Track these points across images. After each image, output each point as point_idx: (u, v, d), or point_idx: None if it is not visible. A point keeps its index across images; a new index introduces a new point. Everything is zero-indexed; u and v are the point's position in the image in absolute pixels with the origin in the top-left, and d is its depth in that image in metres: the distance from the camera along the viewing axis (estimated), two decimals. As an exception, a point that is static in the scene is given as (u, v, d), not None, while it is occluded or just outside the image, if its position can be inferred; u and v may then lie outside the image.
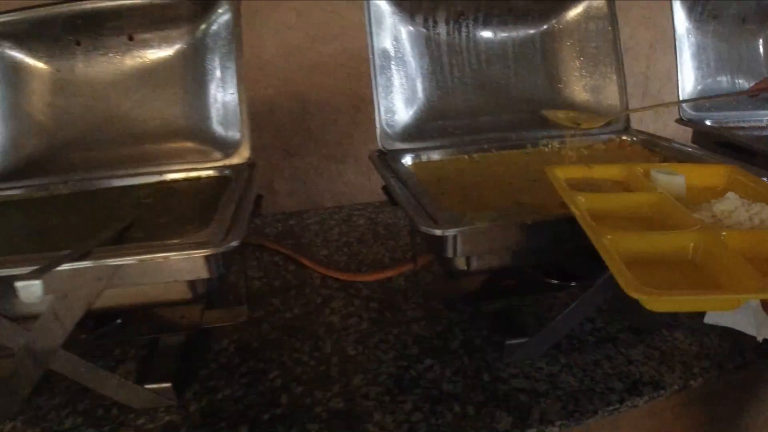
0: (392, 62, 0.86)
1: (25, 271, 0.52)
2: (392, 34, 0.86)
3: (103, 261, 0.55)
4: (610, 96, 0.89)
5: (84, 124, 0.88)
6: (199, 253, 0.56)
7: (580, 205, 0.57)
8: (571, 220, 0.56)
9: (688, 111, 1.02)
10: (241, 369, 0.73)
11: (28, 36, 0.87)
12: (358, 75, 1.30)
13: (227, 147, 0.85)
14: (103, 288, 0.59)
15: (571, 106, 0.90)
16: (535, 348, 0.72)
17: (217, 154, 0.85)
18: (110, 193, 0.81)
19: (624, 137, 0.88)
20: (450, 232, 0.59)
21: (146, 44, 0.88)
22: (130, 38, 0.87)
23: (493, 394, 0.67)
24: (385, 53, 0.85)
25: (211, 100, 0.87)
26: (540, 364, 0.72)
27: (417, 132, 0.86)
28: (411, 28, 0.88)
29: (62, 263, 0.54)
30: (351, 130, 1.41)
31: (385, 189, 0.75)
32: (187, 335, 0.75)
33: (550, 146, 0.86)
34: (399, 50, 0.86)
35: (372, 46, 0.83)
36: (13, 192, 0.83)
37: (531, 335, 0.72)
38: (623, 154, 0.85)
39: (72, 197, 0.82)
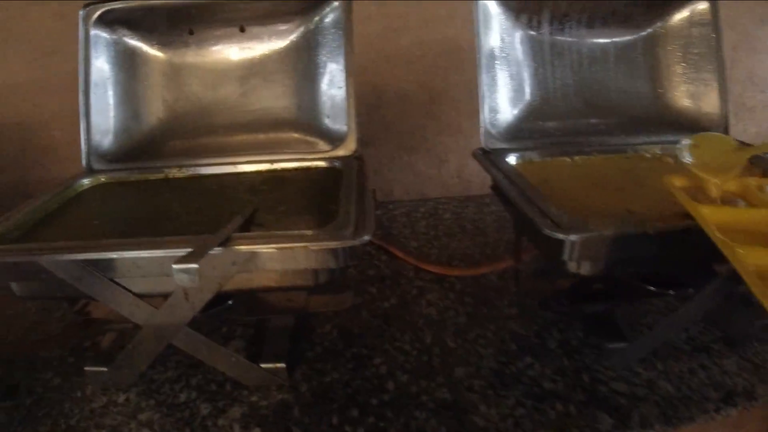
0: (497, 62, 0.86)
1: (178, 254, 0.54)
2: (499, 34, 0.86)
3: (241, 247, 0.57)
4: (711, 104, 0.87)
5: (195, 111, 0.91)
6: (334, 245, 0.58)
7: (707, 217, 0.56)
8: (695, 232, 0.56)
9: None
10: (346, 354, 0.75)
11: (143, 23, 0.90)
12: (435, 68, 1.29)
13: (334, 139, 0.87)
14: (236, 272, 0.61)
15: (670, 111, 0.89)
16: (635, 353, 0.72)
17: (324, 146, 0.86)
18: (224, 179, 0.84)
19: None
20: (574, 238, 0.59)
21: (257, 36, 0.90)
22: (242, 30, 0.89)
23: (594, 395, 0.68)
24: (491, 53, 0.85)
25: (320, 92, 0.88)
26: (637, 369, 0.72)
27: (519, 132, 0.86)
28: (516, 29, 0.88)
29: (212, 247, 0.56)
30: (424, 122, 1.40)
31: (495, 187, 0.76)
32: (295, 318, 0.77)
33: (650, 153, 0.85)
34: (504, 50, 0.87)
35: (479, 46, 0.84)
36: (130, 174, 0.86)
37: (629, 340, 0.72)
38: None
39: (187, 181, 0.85)
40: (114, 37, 0.88)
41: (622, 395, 0.68)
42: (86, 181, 0.85)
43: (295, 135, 0.89)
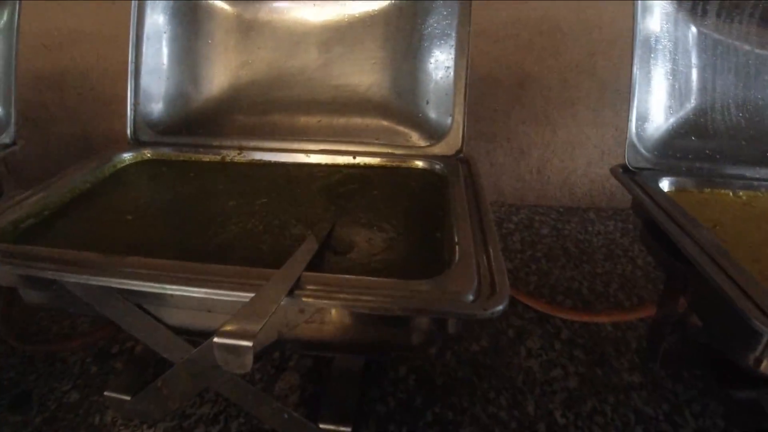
0: (652, 56, 0.64)
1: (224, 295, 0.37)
2: (659, 20, 0.64)
3: (311, 299, 0.40)
4: None
5: (264, 81, 0.73)
6: (449, 312, 0.40)
7: None
8: None
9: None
10: (426, 414, 0.58)
11: None
12: (528, 47, 1.09)
13: (434, 133, 0.67)
14: (303, 322, 0.44)
15: None
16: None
17: (420, 140, 0.67)
18: (292, 171, 0.66)
19: None
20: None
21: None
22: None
23: None
24: (647, 43, 0.64)
25: (421, 72, 0.69)
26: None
27: (669, 149, 0.65)
28: (678, 17, 0.65)
29: (275, 307, 0.38)
30: (509, 108, 1.21)
31: (650, 227, 0.55)
32: (366, 358, 0.60)
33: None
34: (661, 41, 0.65)
35: (636, 32, 0.62)
36: (180, 151, 0.69)
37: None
38: None
39: (247, 168, 0.68)
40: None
41: None
42: (128, 157, 0.68)
43: (384, 122, 0.70)
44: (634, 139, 0.64)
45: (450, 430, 0.57)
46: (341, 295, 0.40)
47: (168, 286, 0.42)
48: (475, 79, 1.19)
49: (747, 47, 0.69)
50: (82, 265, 0.44)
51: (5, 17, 0.77)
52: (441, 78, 0.67)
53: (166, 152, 0.70)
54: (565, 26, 1.07)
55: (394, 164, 0.66)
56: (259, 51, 0.73)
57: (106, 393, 0.59)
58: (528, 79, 1.17)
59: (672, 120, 0.67)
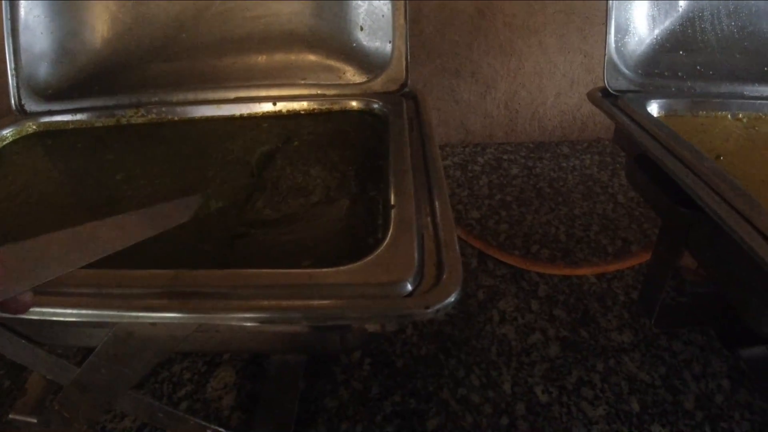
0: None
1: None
2: None
3: (206, 314, 0.26)
4: None
5: (162, 23, 0.56)
6: (380, 313, 0.26)
7: None
8: None
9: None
10: (384, 406, 0.45)
11: None
12: None
13: (372, 65, 0.51)
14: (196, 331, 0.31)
15: None
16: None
17: (357, 76, 0.52)
18: (202, 127, 0.51)
19: None
20: None
21: None
22: None
23: None
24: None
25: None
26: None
27: (654, 66, 0.50)
28: None
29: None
30: (470, 39, 1.05)
31: (639, 161, 0.41)
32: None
33: None
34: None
35: None
36: (70, 118, 0.53)
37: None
38: None
39: (149, 129, 0.52)
40: None
41: None
42: (8, 132, 0.52)
43: (312, 57, 0.55)
44: (614, 57, 0.50)
45: (414, 422, 0.45)
46: (232, 302, 0.26)
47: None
48: (429, 9, 1.03)
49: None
50: None
51: None
52: (378, 3, 0.50)
53: (54, 121, 0.54)
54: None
55: (323, 108, 0.51)
56: (152, -16, 0.55)
57: (11, 416, 0.46)
58: (489, 5, 1.01)
59: (656, 32, 0.53)
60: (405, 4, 0.51)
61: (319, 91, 0.52)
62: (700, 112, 0.50)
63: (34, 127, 0.54)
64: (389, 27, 0.51)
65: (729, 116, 0.50)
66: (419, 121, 0.46)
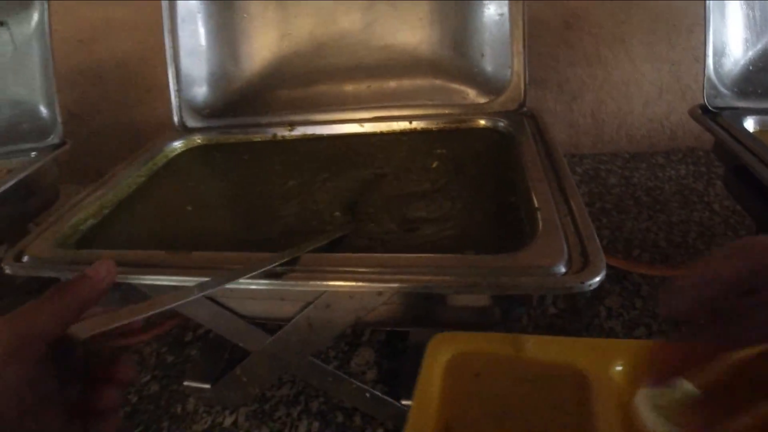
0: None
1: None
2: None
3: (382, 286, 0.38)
4: None
5: (307, 51, 0.71)
6: (538, 288, 0.37)
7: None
8: None
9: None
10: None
11: None
12: None
13: (492, 88, 0.64)
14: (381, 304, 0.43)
15: None
16: None
17: (478, 97, 0.63)
18: (348, 142, 0.64)
19: None
20: None
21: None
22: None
23: None
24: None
25: (473, 23, 0.65)
26: None
27: (749, 85, 0.59)
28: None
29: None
30: (556, 51, 1.15)
31: (737, 172, 0.51)
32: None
33: None
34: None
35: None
36: (230, 134, 0.67)
37: None
38: None
39: (300, 144, 0.66)
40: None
41: None
42: (178, 145, 0.68)
43: (438, 81, 0.68)
44: (713, 77, 0.59)
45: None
46: (425, 277, 0.38)
47: (240, 281, 0.40)
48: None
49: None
50: (148, 265, 0.43)
51: (36, 18, 0.77)
52: (495, 27, 0.63)
53: (216, 136, 0.69)
54: (614, -45, 1.01)
55: (453, 126, 0.63)
56: (297, 20, 0.70)
57: (185, 383, 0.60)
58: (574, 17, 1.11)
59: (750, 54, 0.62)
60: (523, 32, 0.62)
61: (447, 111, 0.65)
62: None
63: (199, 140, 0.69)
64: (508, 53, 0.63)
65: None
66: (541, 136, 0.57)
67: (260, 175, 0.61)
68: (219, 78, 0.72)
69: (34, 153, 0.78)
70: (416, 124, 0.64)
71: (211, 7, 0.70)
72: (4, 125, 0.84)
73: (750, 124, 0.59)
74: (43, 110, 0.82)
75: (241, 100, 0.72)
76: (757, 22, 0.62)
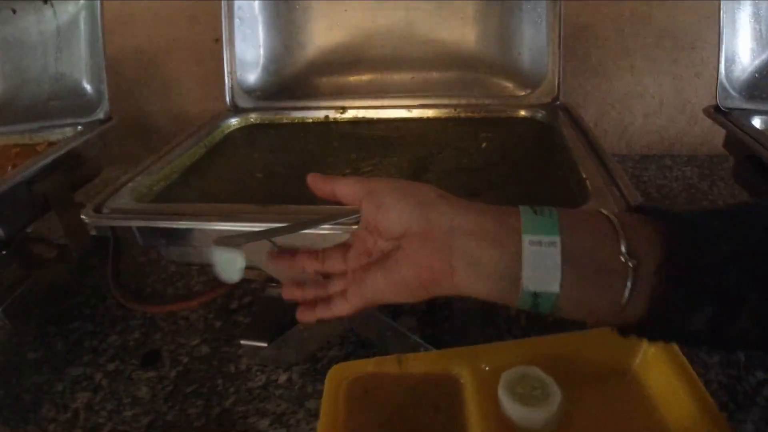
0: (736, 3, 0.67)
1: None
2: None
3: None
4: None
5: (354, 42, 0.79)
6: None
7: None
8: None
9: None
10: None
11: None
12: None
13: (529, 83, 0.71)
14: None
15: None
16: None
17: (515, 90, 0.71)
18: (398, 125, 0.71)
19: None
20: None
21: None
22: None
23: None
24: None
25: (512, 22, 0.72)
26: None
27: (755, 90, 0.69)
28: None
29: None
30: (564, 62, 1.24)
31: (744, 163, 0.59)
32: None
33: None
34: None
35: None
36: (283, 114, 0.74)
37: None
38: None
39: (353, 126, 0.72)
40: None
41: None
42: (234, 122, 0.73)
43: (477, 75, 0.74)
44: (724, 81, 0.68)
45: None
46: None
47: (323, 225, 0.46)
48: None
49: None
50: (228, 216, 0.49)
51: None
52: (533, 31, 0.71)
53: (270, 116, 0.74)
54: (620, -27, 1.10)
55: (494, 115, 0.70)
56: (345, 13, 0.77)
57: (242, 341, 0.65)
58: (583, 30, 1.19)
59: (757, 62, 0.71)
60: (559, 36, 0.70)
61: (487, 101, 0.72)
62: None
63: (254, 119, 0.75)
64: (544, 53, 0.71)
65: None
66: (577, 124, 0.65)
67: (320, 151, 0.67)
68: (270, 62, 0.78)
69: (79, 127, 0.83)
70: (460, 112, 0.72)
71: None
72: (44, 99, 0.88)
73: (757, 122, 0.68)
74: (88, 87, 0.87)
75: (291, 84, 0.78)
76: (763, 35, 0.72)
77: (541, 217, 0.32)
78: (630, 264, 0.29)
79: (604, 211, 0.32)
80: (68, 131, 0.84)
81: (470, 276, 0.32)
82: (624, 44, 1.16)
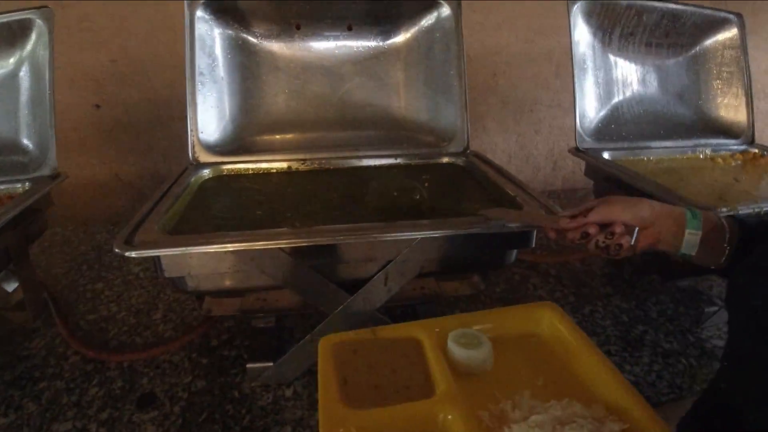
0: (582, 73, 0.99)
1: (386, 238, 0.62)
2: (584, 49, 0.99)
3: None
4: (740, 114, 1.09)
5: (301, 105, 0.94)
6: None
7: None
8: None
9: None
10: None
11: (250, 15, 0.93)
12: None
13: (445, 136, 0.95)
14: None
15: (709, 119, 1.11)
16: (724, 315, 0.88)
17: (438, 142, 0.95)
18: (354, 173, 0.89)
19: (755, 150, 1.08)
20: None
21: (364, 35, 0.94)
22: (349, 28, 0.93)
23: (704, 350, 0.84)
24: (579, 65, 0.98)
25: (429, 91, 0.97)
26: (724, 328, 0.88)
27: (600, 134, 1.00)
28: (595, 46, 1.01)
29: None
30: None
31: (599, 184, 0.88)
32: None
33: (703, 154, 1.04)
34: (587, 63, 1.00)
35: (574, 54, 0.96)
36: (249, 165, 0.88)
37: (719, 305, 0.88)
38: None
39: (313, 174, 0.88)
40: (220, 26, 0.89)
41: (722, 348, 0.84)
42: (206, 172, 0.84)
43: (404, 132, 0.95)
44: (580, 130, 0.98)
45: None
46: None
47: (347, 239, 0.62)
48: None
49: (641, 62, 1.08)
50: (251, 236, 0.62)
51: (27, 50, 0.89)
52: (445, 94, 0.95)
53: (239, 167, 0.87)
54: (472, 52, 1.39)
55: (425, 161, 0.92)
56: (294, 81, 0.94)
57: (249, 365, 0.74)
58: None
59: (601, 114, 1.04)
60: (465, 97, 0.94)
61: (416, 152, 0.93)
62: (630, 157, 1.01)
63: (225, 170, 0.87)
64: (455, 111, 0.94)
65: (644, 158, 1.02)
66: (489, 164, 0.89)
67: (305, 187, 0.82)
68: (229, 123, 0.91)
69: (27, 183, 0.86)
70: (401, 161, 0.92)
71: (225, 66, 0.90)
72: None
73: (607, 155, 0.99)
74: (29, 143, 0.90)
75: (246, 142, 0.91)
76: (602, 95, 1.05)
77: (693, 219, 0.60)
78: (726, 247, 0.59)
79: (721, 217, 0.61)
80: (17, 187, 0.86)
81: (665, 243, 0.61)
82: (477, 110, 1.47)
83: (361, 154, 0.92)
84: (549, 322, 0.62)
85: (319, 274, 0.68)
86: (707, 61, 1.11)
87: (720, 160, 1.04)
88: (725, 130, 1.09)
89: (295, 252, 0.65)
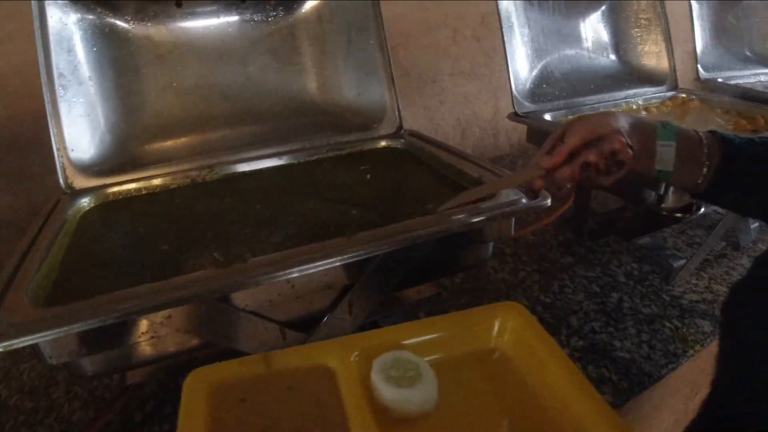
0: (512, 38, 0.91)
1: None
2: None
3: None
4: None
5: (195, 99, 0.78)
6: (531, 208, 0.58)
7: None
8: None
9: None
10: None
11: None
12: None
13: (374, 117, 0.83)
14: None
15: (631, 69, 1.08)
16: (691, 267, 0.85)
17: (366, 126, 0.82)
18: (275, 174, 0.75)
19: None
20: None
21: (262, 7, 0.80)
22: (243, 0, 0.78)
23: (683, 309, 0.81)
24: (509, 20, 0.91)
25: (347, 69, 0.83)
26: (693, 281, 0.84)
27: (534, 96, 0.95)
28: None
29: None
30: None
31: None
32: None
33: (633, 104, 1.01)
34: (517, 27, 0.92)
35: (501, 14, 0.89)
36: (140, 185, 0.71)
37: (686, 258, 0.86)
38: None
39: (221, 183, 0.73)
40: (77, 11, 0.71)
41: (699, 302, 0.82)
42: (86, 201, 0.67)
43: (327, 117, 0.82)
44: (516, 93, 0.90)
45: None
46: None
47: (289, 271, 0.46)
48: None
49: (560, 17, 1.02)
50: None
51: None
52: (366, 68, 0.83)
53: (127, 189, 0.70)
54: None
55: (357, 149, 0.80)
56: (181, 71, 0.78)
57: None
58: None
59: (534, 74, 0.97)
60: (390, 71, 0.83)
61: (344, 139, 0.80)
62: (569, 116, 0.95)
63: (111, 195, 0.69)
64: (381, 89, 0.83)
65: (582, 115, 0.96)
66: (429, 142, 0.78)
67: (210, 209, 0.65)
68: (107, 134, 0.72)
69: None
70: (332, 153, 0.79)
71: (92, 62, 0.72)
72: None
73: (548, 116, 0.92)
74: None
75: (133, 155, 0.74)
76: (532, 56, 0.98)
77: (664, 130, 0.57)
78: (705, 162, 0.55)
79: (700, 132, 0.57)
80: None
81: (640, 158, 0.56)
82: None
83: (280, 150, 0.77)
84: (512, 328, 0.50)
85: (263, 318, 0.54)
86: (624, 9, 1.08)
87: (654, 109, 1.02)
88: (649, 78, 1.08)
89: (226, 298, 0.51)
